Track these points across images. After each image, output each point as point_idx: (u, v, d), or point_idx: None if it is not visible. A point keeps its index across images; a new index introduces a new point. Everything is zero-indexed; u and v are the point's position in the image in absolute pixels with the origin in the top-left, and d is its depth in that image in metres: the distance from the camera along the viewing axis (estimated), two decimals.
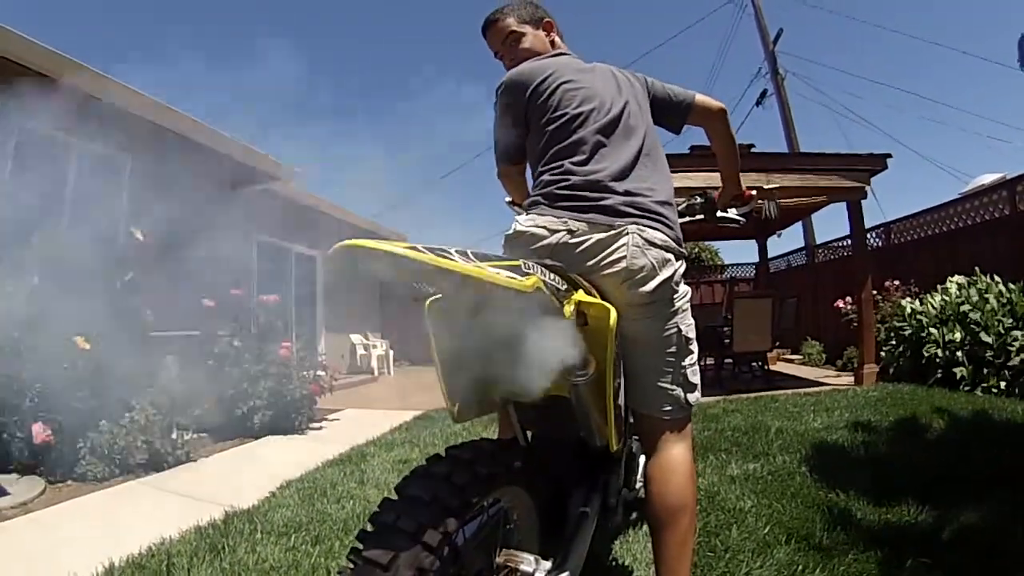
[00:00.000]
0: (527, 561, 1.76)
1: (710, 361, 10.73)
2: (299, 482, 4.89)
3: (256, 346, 7.55)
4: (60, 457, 5.14)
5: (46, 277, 5.59)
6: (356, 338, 16.46)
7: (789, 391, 9.00)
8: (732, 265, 20.00)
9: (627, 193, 2.14)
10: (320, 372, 8.31)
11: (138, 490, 4.91)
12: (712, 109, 2.61)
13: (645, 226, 2.10)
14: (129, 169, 8.40)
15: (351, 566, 1.36)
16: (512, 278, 1.49)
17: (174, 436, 5.72)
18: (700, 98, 2.59)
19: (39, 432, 4.89)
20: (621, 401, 2.11)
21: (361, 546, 1.37)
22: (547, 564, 1.80)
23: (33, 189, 6.74)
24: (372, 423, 7.83)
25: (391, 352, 16.96)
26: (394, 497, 1.50)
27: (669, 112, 2.58)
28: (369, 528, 1.43)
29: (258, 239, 12.76)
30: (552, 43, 2.66)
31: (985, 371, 7.73)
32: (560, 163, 2.24)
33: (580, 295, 1.80)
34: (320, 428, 7.79)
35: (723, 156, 2.79)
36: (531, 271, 1.57)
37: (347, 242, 1.27)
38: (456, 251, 1.40)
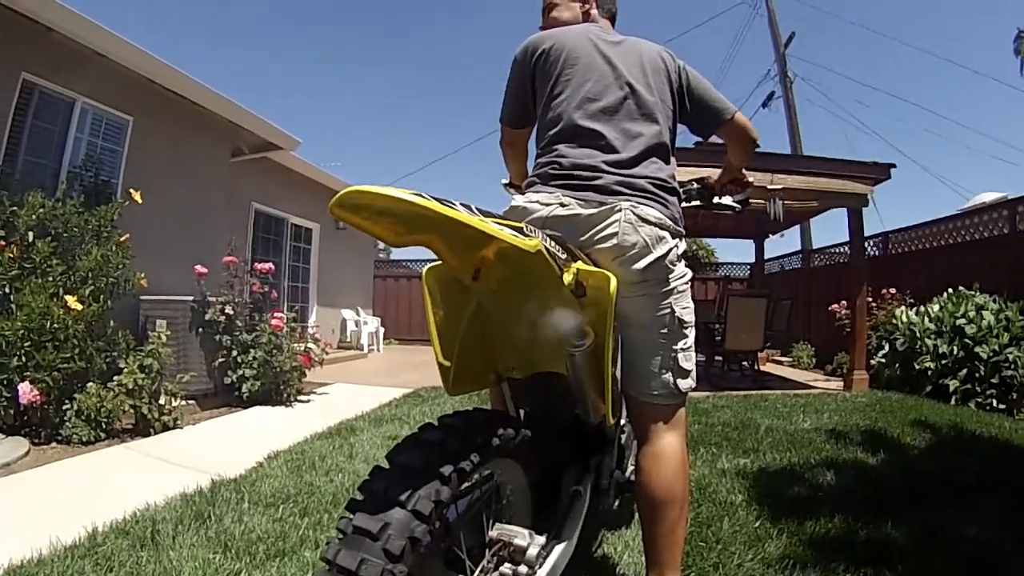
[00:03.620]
0: (521, 535, 1.75)
1: (701, 358, 10.66)
2: (287, 453, 4.87)
3: (248, 315, 7.53)
4: (46, 418, 5.12)
5: (41, 234, 5.57)
6: (348, 313, 16.39)
7: (778, 391, 9.04)
8: (727, 264, 20.12)
9: (623, 174, 2.11)
10: (311, 345, 8.28)
11: (124, 455, 4.88)
12: (747, 135, 2.55)
13: (639, 203, 2.07)
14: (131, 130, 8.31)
15: (340, 536, 1.34)
16: (515, 236, 1.47)
17: (162, 402, 5.69)
18: (740, 118, 2.49)
19: (27, 392, 4.84)
20: (619, 373, 2.10)
21: (351, 515, 1.35)
22: (540, 539, 1.78)
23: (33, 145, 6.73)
24: (361, 398, 7.82)
25: (382, 329, 16.93)
26: (385, 465, 1.48)
27: (701, 116, 2.50)
28: (359, 496, 1.40)
29: (255, 207, 12.71)
30: (586, 14, 2.61)
31: (978, 386, 7.75)
32: (554, 147, 2.22)
33: (580, 264, 1.77)
34: (309, 401, 7.76)
35: (735, 156, 2.73)
36: (533, 234, 1.55)
37: (353, 188, 1.25)
38: (461, 204, 1.37)
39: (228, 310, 7.20)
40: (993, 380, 7.66)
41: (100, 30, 7.19)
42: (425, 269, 1.86)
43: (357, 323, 16.14)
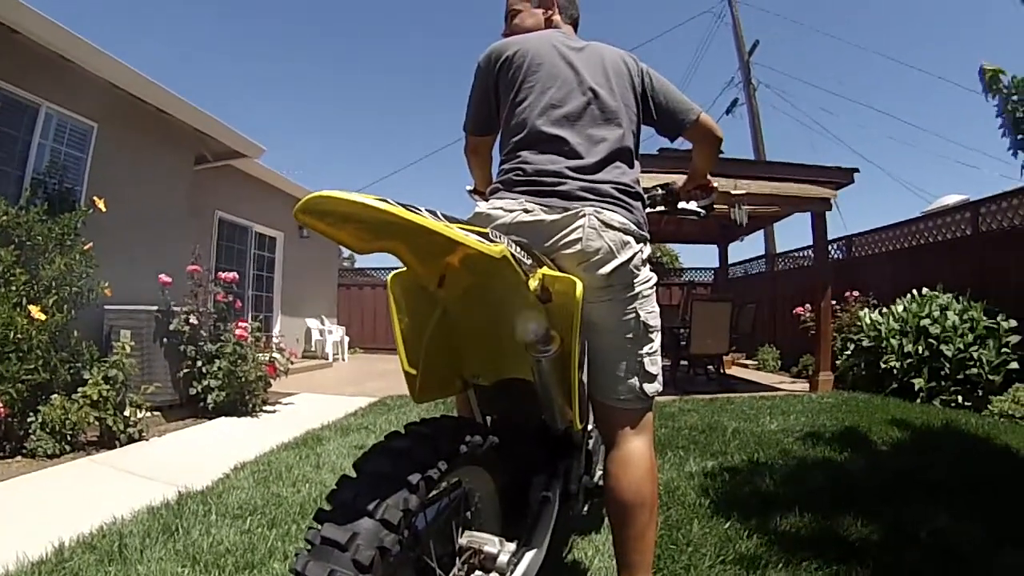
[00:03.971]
0: (491, 543, 1.74)
1: (666, 362, 10.68)
2: (254, 464, 4.82)
3: (212, 324, 7.46)
4: (10, 432, 5.02)
5: (4, 242, 5.48)
6: (312, 322, 16.30)
7: (745, 394, 9.15)
8: (691, 268, 20.25)
9: (586, 180, 2.12)
10: (276, 355, 8.22)
11: (90, 468, 4.81)
12: (712, 135, 2.57)
13: (603, 208, 2.08)
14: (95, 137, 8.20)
15: (308, 547, 1.33)
16: (480, 241, 1.46)
17: (127, 413, 5.61)
18: (705, 119, 2.51)
19: None
20: (585, 379, 2.10)
21: (319, 526, 1.34)
22: (511, 546, 1.78)
23: None
24: (327, 408, 7.78)
25: (346, 338, 16.86)
26: (352, 474, 1.47)
27: (666, 119, 2.51)
28: (327, 507, 1.39)
29: (219, 215, 12.57)
30: (549, 20, 2.62)
31: (942, 383, 7.90)
32: (518, 154, 2.23)
33: (545, 270, 1.77)
34: (274, 411, 7.69)
35: (700, 160, 2.76)
36: (499, 240, 1.55)
37: (318, 193, 1.24)
38: (426, 209, 1.37)
39: (192, 320, 7.13)
40: (959, 377, 7.82)
41: (66, 33, 7.06)
42: (390, 276, 1.85)
43: (322, 332, 16.05)
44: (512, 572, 1.76)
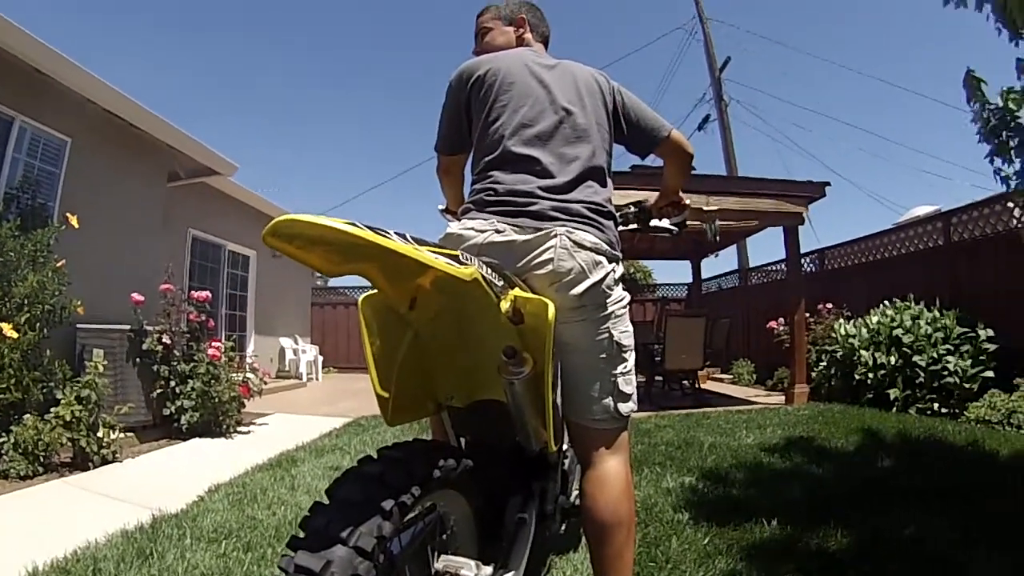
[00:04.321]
0: (467, 567, 1.73)
1: (641, 378, 10.73)
2: (228, 486, 4.77)
3: (186, 344, 7.38)
4: None
5: None
6: (286, 341, 16.19)
7: (720, 408, 9.20)
8: (664, 284, 20.36)
9: (557, 199, 2.11)
10: (250, 375, 8.16)
11: (63, 490, 4.74)
12: (683, 151, 2.60)
13: (575, 228, 2.07)
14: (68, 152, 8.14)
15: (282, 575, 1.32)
16: (451, 264, 1.47)
17: (100, 434, 5.54)
18: (676, 135, 2.53)
19: None
20: (559, 400, 2.09)
21: (292, 553, 1.32)
22: (488, 570, 1.77)
23: None
24: (301, 428, 7.73)
25: (320, 358, 16.79)
26: (325, 501, 1.46)
27: (637, 137, 2.54)
28: (300, 534, 1.38)
29: (192, 233, 12.49)
30: (520, 38, 2.65)
31: (917, 392, 8.00)
32: (490, 174, 2.22)
33: (517, 292, 1.77)
34: (248, 432, 7.62)
35: (671, 177, 2.78)
36: (469, 262, 1.55)
37: (286, 216, 1.24)
38: (395, 232, 1.37)
39: (166, 339, 7.07)
40: (934, 385, 7.91)
41: (41, 47, 7.02)
42: (361, 298, 1.84)
43: (296, 352, 15.96)
44: None
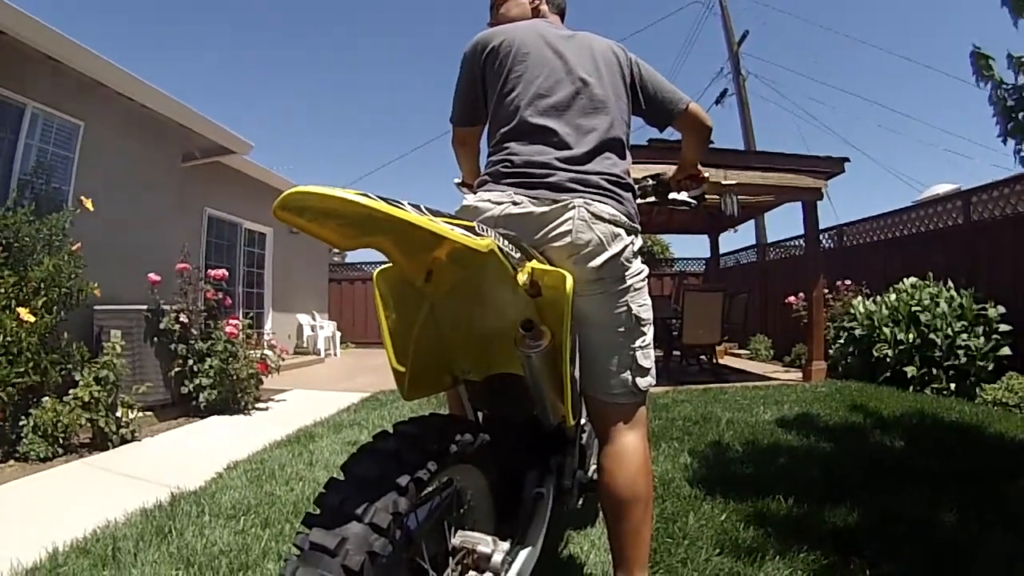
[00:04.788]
0: (484, 542, 1.72)
1: (658, 352, 10.65)
2: (246, 463, 4.80)
3: (203, 323, 7.40)
4: (2, 436, 4.98)
5: None
6: (303, 318, 16.23)
7: (738, 384, 9.16)
8: (682, 259, 20.24)
9: (575, 171, 2.09)
10: (268, 351, 8.19)
11: (82, 471, 4.77)
12: (702, 124, 2.56)
13: (593, 199, 2.05)
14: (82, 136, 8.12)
15: (297, 552, 1.30)
16: (467, 236, 1.43)
17: (119, 414, 5.57)
18: (694, 108, 2.50)
19: None
20: (577, 374, 2.07)
21: (308, 530, 1.31)
22: (505, 545, 1.76)
23: None
24: (320, 404, 7.76)
25: (338, 333, 16.84)
26: (340, 477, 1.45)
27: (655, 109, 2.50)
28: (316, 511, 1.37)
29: (208, 212, 12.50)
30: (535, 10, 2.60)
31: (934, 371, 7.92)
32: (506, 145, 2.20)
33: (534, 263, 1.75)
34: (267, 408, 7.66)
35: (690, 150, 2.74)
36: (486, 234, 1.52)
37: (296, 188, 1.21)
38: (409, 204, 1.34)
39: (183, 318, 7.09)
40: (949, 364, 7.83)
41: (50, 32, 6.98)
42: (376, 272, 1.82)
43: (313, 328, 15.98)
44: (507, 572, 1.74)
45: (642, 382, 2.15)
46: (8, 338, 5.01)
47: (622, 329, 2.11)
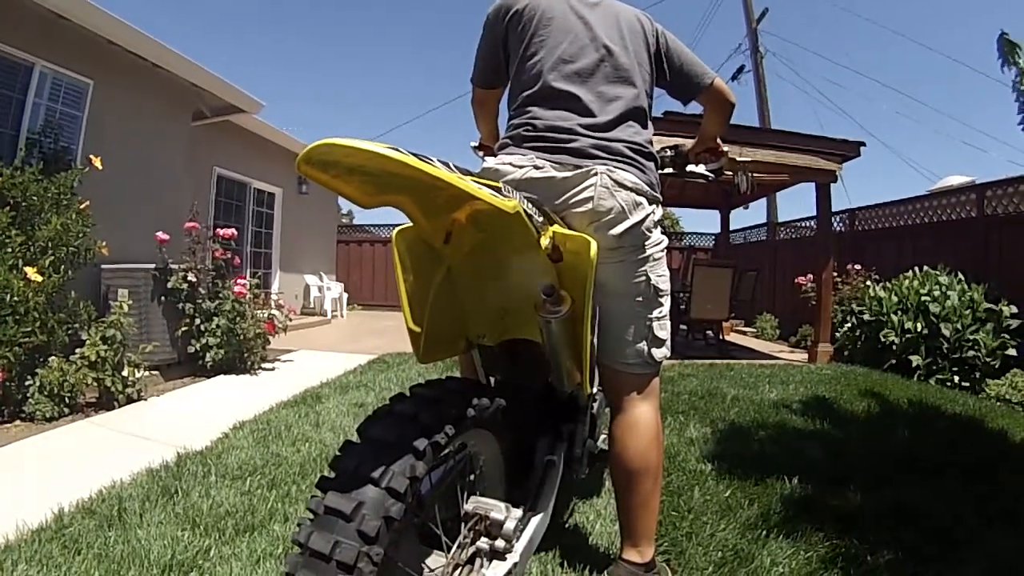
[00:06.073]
0: (497, 508, 1.71)
1: None
2: (253, 423, 4.80)
3: (211, 282, 7.37)
4: (8, 395, 4.98)
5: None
6: (311, 279, 16.22)
7: (744, 361, 9.18)
8: (691, 233, 20.13)
9: (599, 137, 2.06)
10: (275, 312, 8.18)
11: (88, 430, 4.78)
12: (726, 100, 2.53)
13: (615, 167, 2.03)
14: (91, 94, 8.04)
15: (311, 516, 1.29)
16: (495, 196, 1.41)
17: (125, 373, 5.57)
18: (719, 83, 2.46)
19: None
20: (596, 341, 2.06)
21: (322, 494, 1.30)
22: (517, 512, 1.75)
23: None
24: (326, 365, 7.79)
25: (345, 295, 16.86)
26: (356, 440, 1.43)
27: (680, 83, 2.46)
28: (330, 474, 1.35)
29: (218, 172, 12.46)
30: None
31: (940, 362, 7.87)
32: (528, 109, 2.17)
33: (557, 228, 1.73)
34: (273, 369, 7.68)
35: (711, 124, 2.71)
36: (511, 195, 1.49)
37: (323, 141, 1.16)
38: (439, 160, 1.31)
39: (191, 277, 7.05)
40: (955, 357, 7.79)
41: None
42: (395, 232, 1.79)
43: (321, 289, 15.99)
44: (518, 538, 1.74)
45: (657, 353, 2.14)
46: (15, 298, 4.99)
47: (640, 299, 2.10)
